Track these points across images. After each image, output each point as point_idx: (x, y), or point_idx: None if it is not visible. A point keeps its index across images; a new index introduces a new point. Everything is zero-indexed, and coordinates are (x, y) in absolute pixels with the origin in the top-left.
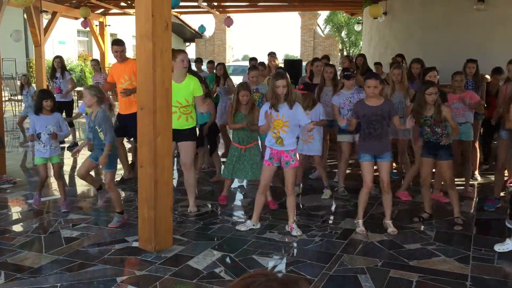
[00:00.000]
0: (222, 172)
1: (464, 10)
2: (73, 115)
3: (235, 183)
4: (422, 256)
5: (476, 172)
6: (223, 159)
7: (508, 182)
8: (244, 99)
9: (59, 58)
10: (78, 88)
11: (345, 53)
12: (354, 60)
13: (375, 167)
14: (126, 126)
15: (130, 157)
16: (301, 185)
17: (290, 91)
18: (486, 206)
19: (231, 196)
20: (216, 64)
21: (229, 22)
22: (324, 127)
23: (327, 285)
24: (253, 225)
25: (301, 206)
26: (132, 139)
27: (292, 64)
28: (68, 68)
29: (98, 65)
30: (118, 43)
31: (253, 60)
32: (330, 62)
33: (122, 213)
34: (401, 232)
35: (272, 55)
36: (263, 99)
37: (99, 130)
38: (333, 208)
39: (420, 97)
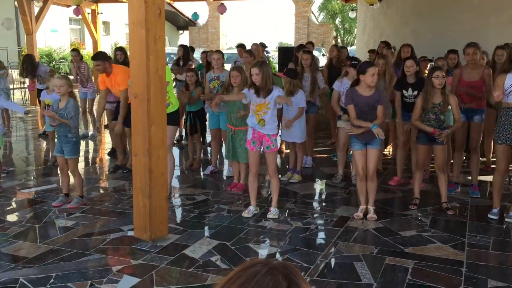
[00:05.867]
0: (224, 155)
1: None
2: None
3: (230, 172)
4: (418, 243)
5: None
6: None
7: (488, 168)
8: (236, 79)
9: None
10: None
11: (339, 40)
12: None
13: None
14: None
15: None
16: (300, 172)
17: (266, 80)
18: (448, 191)
19: (227, 183)
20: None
21: (222, 9)
22: (307, 114)
23: (323, 272)
24: (255, 210)
25: (296, 194)
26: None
27: (285, 52)
28: (60, 56)
29: (78, 56)
30: (95, 58)
31: (240, 46)
32: (323, 50)
33: (82, 197)
34: (397, 220)
35: (258, 45)
36: (222, 87)
37: (68, 118)
38: (328, 195)
39: (428, 83)
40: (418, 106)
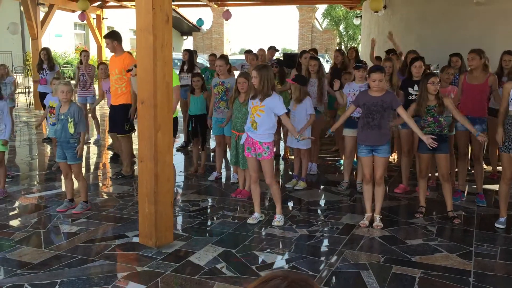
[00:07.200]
0: (229, 160)
1: (464, 4)
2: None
3: (234, 176)
4: (425, 252)
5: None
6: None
7: (494, 176)
8: (242, 86)
9: (45, 50)
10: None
11: (343, 47)
12: (346, 53)
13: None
14: (113, 117)
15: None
16: (305, 179)
17: (264, 84)
18: (453, 200)
19: (232, 190)
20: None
21: (227, 15)
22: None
23: (330, 281)
24: (260, 216)
25: (301, 201)
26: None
27: (290, 58)
28: (65, 61)
29: (88, 57)
30: (105, 36)
31: (248, 52)
32: (327, 56)
33: (86, 202)
34: (403, 228)
35: (270, 49)
36: (227, 93)
37: (70, 120)
38: (334, 203)
39: (423, 88)
40: (411, 108)
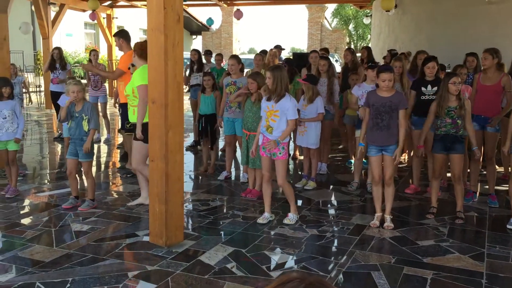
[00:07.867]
0: (241, 159)
1: (475, 3)
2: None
3: (244, 176)
4: (436, 253)
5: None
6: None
7: (506, 177)
8: (250, 86)
9: (57, 50)
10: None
11: (352, 46)
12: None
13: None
14: (121, 115)
15: None
16: (315, 179)
17: (277, 84)
18: (465, 200)
19: (242, 189)
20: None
21: (238, 14)
22: (322, 120)
23: (340, 282)
24: (270, 216)
25: (311, 201)
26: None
27: (300, 57)
28: (75, 60)
29: (97, 56)
30: (114, 35)
31: (261, 53)
32: (336, 56)
33: (93, 200)
34: (414, 229)
35: (276, 48)
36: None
37: (84, 118)
38: (344, 203)
39: (443, 88)
40: (432, 112)
